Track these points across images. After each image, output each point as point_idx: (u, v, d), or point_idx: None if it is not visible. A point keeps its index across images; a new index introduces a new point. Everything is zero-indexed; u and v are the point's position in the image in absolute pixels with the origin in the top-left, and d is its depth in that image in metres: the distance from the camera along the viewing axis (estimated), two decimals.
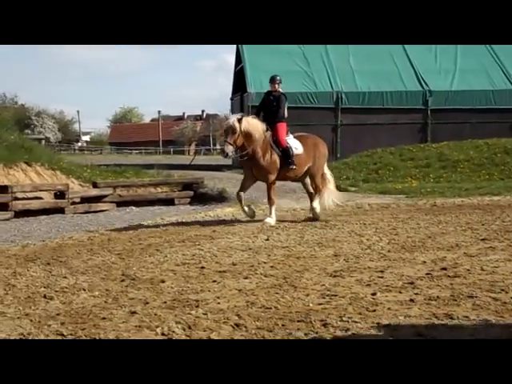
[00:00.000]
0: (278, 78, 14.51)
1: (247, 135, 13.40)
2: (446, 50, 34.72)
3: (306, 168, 14.66)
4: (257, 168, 13.89)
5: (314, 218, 14.76)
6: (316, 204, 14.76)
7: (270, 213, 14.16)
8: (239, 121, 13.33)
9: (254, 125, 13.58)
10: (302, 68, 33.14)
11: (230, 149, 13.35)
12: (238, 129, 13.24)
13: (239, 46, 35.06)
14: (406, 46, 34.99)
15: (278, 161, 14.01)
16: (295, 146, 14.23)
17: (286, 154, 14.02)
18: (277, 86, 14.48)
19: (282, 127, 14.28)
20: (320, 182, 15.13)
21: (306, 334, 6.02)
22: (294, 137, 14.75)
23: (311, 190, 15.29)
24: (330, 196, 15.38)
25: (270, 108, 14.27)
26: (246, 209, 14.49)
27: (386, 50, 34.29)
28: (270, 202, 14.17)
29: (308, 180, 15.37)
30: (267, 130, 13.99)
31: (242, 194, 14.42)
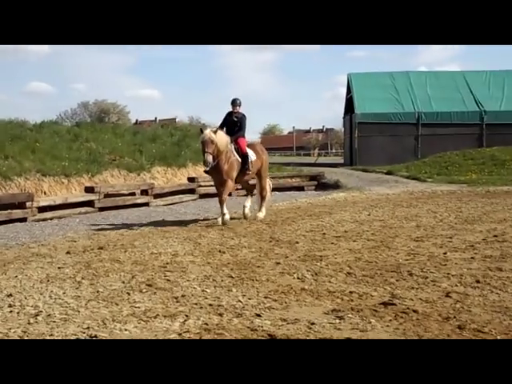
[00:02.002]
0: (238, 101, 11.62)
1: (218, 145, 10.83)
2: (497, 81, 33.53)
3: (256, 170, 11.93)
4: (220, 172, 11.09)
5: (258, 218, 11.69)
6: (262, 214, 11.89)
7: (222, 212, 11.07)
8: (215, 133, 10.85)
9: (223, 137, 11.07)
10: (392, 95, 32.57)
11: (210, 158, 10.71)
12: (216, 140, 10.73)
13: (349, 80, 34.74)
14: (467, 78, 33.91)
15: (236, 167, 11.29)
16: (251, 154, 11.61)
17: (244, 160, 11.43)
18: (238, 108, 11.62)
19: (243, 141, 11.64)
20: (266, 183, 12.35)
21: (397, 280, 5.96)
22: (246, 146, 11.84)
23: (255, 193, 12.47)
24: (270, 200, 13.11)
25: (233, 126, 11.56)
26: (225, 212, 11.08)
27: (453, 81, 33.34)
28: (221, 200, 11.07)
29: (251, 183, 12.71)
30: (231, 142, 11.35)
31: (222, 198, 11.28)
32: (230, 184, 11.31)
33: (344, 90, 38.85)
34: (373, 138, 30.98)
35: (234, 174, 11.33)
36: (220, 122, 11.85)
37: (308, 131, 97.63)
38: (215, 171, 11.12)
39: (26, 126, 18.28)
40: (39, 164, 14.58)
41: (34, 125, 18.97)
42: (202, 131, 11.10)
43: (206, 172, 11.70)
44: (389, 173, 24.98)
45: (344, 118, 38.41)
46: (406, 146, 30.77)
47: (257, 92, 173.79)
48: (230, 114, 11.69)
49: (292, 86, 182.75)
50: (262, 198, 12.17)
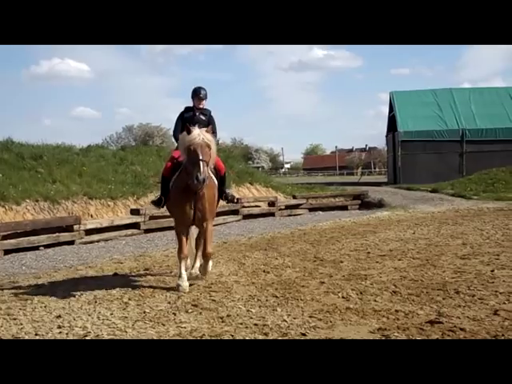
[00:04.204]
0: (204, 92, 7.45)
1: (213, 154, 6.80)
2: None
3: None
4: (200, 203, 6.82)
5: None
6: (209, 267, 7.37)
7: (206, 267, 7.28)
8: (207, 133, 6.68)
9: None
10: (436, 113, 32.25)
11: (206, 170, 6.44)
12: (212, 145, 6.65)
13: (391, 98, 34.57)
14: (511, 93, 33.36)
15: (217, 194, 7.33)
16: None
17: (223, 182, 7.56)
18: (204, 102, 7.45)
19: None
20: (211, 226, 7.25)
21: (443, 299, 5.88)
22: None
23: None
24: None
25: (202, 127, 6.81)
26: (184, 272, 6.88)
27: (498, 97, 32.81)
28: (208, 254, 7.11)
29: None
30: None
31: (187, 250, 7.18)
32: (211, 224, 7.26)
33: (386, 109, 38.65)
34: (416, 156, 30.68)
35: (215, 207, 7.45)
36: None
37: (351, 150, 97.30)
38: (188, 199, 6.81)
39: (72, 150, 18.62)
40: (86, 187, 14.86)
41: (81, 149, 19.33)
42: (189, 131, 6.62)
43: (155, 204, 7.43)
44: (433, 191, 24.66)
45: (387, 136, 38.19)
46: (451, 164, 30.36)
47: (299, 112, 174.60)
48: (191, 110, 7.52)
49: (334, 106, 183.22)
50: (205, 246, 7.17)
